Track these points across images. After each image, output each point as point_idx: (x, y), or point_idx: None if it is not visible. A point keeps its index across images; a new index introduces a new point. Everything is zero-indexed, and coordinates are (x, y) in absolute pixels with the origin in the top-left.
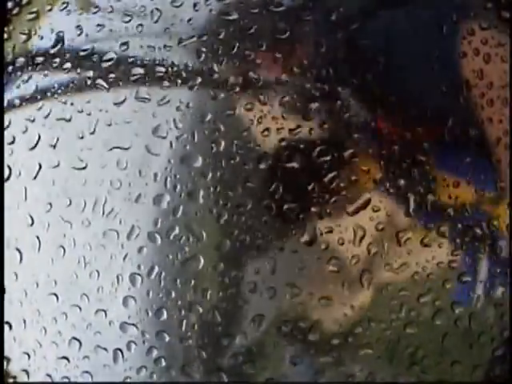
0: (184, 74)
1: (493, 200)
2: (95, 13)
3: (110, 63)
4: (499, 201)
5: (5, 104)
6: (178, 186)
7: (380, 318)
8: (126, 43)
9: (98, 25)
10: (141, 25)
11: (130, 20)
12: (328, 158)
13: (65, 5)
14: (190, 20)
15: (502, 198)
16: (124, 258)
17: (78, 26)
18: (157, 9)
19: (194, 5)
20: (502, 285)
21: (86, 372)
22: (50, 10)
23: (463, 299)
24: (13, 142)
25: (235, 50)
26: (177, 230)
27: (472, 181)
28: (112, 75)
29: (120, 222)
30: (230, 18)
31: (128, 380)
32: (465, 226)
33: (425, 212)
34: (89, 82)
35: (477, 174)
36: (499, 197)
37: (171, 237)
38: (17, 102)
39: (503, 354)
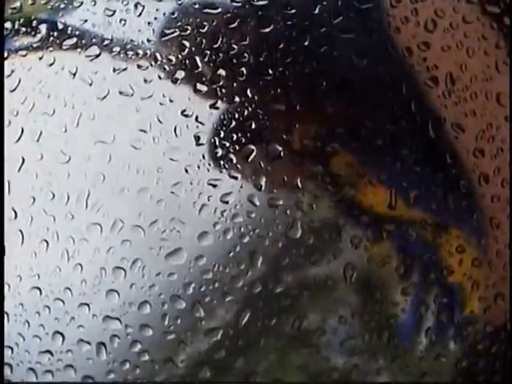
0: (167, 68)
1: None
2: (78, 7)
3: (93, 58)
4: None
5: None
6: (162, 180)
7: None
8: (109, 38)
9: (81, 19)
10: (123, 19)
11: (112, 14)
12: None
13: None
14: (173, 13)
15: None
16: (107, 251)
17: (61, 21)
18: (139, 3)
19: None
20: None
21: (69, 365)
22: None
23: None
24: None
25: (218, 43)
26: (160, 224)
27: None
28: (96, 69)
29: (103, 215)
30: (214, 11)
31: (111, 375)
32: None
33: None
34: (72, 76)
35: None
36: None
37: (155, 230)
38: None
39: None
